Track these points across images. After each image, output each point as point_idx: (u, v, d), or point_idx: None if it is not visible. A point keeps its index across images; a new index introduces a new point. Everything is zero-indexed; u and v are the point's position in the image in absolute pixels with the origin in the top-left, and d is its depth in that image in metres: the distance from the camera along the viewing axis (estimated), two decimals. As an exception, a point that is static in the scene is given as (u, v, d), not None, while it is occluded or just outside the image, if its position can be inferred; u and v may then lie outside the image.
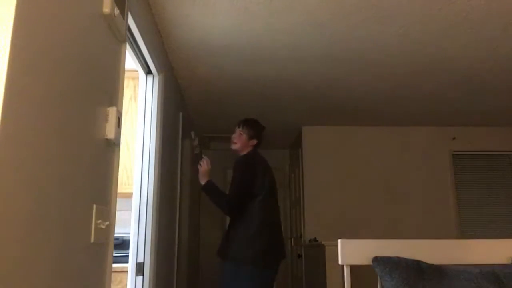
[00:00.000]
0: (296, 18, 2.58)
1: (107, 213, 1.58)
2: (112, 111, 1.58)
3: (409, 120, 4.68)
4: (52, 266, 1.15)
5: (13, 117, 0.94)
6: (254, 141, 2.93)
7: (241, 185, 2.71)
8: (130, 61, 2.48)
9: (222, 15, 2.55)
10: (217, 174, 5.92)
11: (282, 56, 3.11)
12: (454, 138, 4.85)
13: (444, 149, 4.84)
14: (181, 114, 3.65)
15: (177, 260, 3.44)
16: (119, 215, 2.89)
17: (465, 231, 4.66)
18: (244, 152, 2.90)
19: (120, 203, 2.76)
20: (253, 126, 2.94)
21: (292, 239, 5.58)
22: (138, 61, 2.46)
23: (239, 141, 2.90)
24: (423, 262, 1.70)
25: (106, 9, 1.52)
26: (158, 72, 2.70)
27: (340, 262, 1.76)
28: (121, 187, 2.71)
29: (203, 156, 3.12)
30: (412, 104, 4.15)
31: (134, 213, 2.49)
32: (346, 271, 1.76)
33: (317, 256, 4.08)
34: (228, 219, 2.84)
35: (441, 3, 2.42)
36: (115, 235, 2.98)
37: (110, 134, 1.57)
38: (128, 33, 2.02)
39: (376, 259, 1.71)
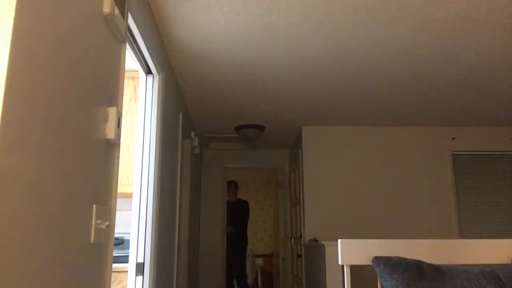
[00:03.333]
0: (296, 18, 2.58)
1: (107, 213, 1.58)
2: (112, 111, 1.58)
3: (409, 120, 4.68)
4: (52, 266, 1.15)
5: (13, 117, 0.94)
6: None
7: None
8: (130, 61, 2.48)
9: (222, 15, 2.55)
10: (218, 174, 5.93)
11: (282, 56, 3.11)
12: (454, 138, 4.85)
13: (444, 149, 4.84)
14: (181, 114, 3.65)
15: (177, 260, 3.44)
16: (119, 215, 2.89)
17: (465, 231, 4.66)
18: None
19: (120, 203, 2.76)
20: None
21: (292, 239, 5.58)
22: (138, 61, 2.46)
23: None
24: (423, 262, 1.70)
25: (106, 9, 1.52)
26: (158, 72, 2.70)
27: (340, 262, 1.77)
28: (121, 187, 2.71)
29: None
30: (412, 104, 4.15)
31: (134, 213, 2.49)
32: (346, 271, 1.77)
33: (317, 256, 4.08)
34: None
35: (441, 2, 2.42)
36: (115, 235, 2.98)
37: (110, 134, 1.57)
38: (128, 33, 2.02)
39: (376, 259, 1.71)
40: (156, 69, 2.64)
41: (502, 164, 4.84)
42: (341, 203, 4.69)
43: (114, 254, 2.72)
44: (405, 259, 1.70)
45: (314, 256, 4.29)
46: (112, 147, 1.65)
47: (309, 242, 4.49)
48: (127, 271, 2.42)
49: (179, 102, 3.65)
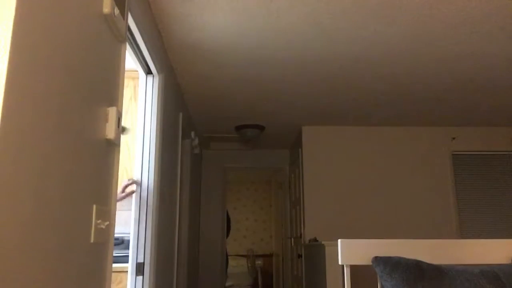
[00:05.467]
0: (296, 18, 2.58)
1: (107, 213, 1.58)
2: (112, 111, 1.58)
3: (409, 120, 4.68)
4: (52, 266, 1.15)
5: (13, 117, 0.94)
6: None
7: None
8: (130, 61, 2.48)
9: (222, 15, 2.55)
10: (218, 174, 5.93)
11: (282, 56, 3.11)
12: (454, 138, 4.85)
13: (444, 149, 4.84)
14: (181, 114, 3.65)
15: (177, 260, 3.44)
16: (119, 215, 2.88)
17: (465, 231, 4.66)
18: None
19: (120, 203, 2.76)
20: None
21: (292, 239, 5.58)
22: (138, 61, 2.46)
23: None
24: (423, 262, 1.70)
25: (106, 9, 1.52)
26: (158, 72, 2.70)
27: (340, 262, 1.77)
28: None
29: None
30: (412, 104, 4.15)
31: (134, 213, 2.49)
32: (346, 271, 1.77)
33: (317, 256, 4.08)
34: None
35: (441, 2, 2.42)
36: (115, 235, 2.98)
37: (110, 134, 1.57)
38: (128, 33, 2.02)
39: (376, 259, 1.71)
40: (156, 69, 2.64)
41: (502, 164, 4.84)
42: (341, 203, 4.69)
43: (114, 254, 2.72)
44: (405, 259, 1.70)
45: (314, 256, 4.29)
46: (112, 147, 1.65)
47: (309, 242, 4.49)
48: (127, 271, 2.42)
49: (179, 102, 3.65)
